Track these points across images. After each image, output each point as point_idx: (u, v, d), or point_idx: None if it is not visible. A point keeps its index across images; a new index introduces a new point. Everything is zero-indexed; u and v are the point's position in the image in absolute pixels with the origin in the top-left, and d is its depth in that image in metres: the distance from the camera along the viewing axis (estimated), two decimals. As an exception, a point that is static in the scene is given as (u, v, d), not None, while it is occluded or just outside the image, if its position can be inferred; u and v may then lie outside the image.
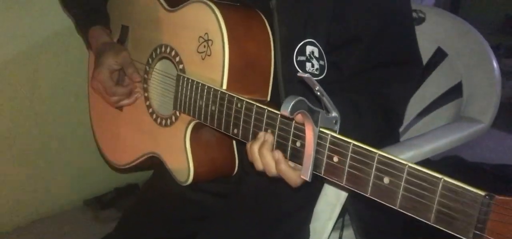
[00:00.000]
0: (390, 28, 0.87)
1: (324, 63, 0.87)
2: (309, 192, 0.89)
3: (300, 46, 0.86)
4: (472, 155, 2.16)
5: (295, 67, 0.85)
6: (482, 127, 1.04)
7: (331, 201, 0.87)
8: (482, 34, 1.12)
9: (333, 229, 0.93)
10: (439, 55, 1.19)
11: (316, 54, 0.86)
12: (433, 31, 1.19)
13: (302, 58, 0.86)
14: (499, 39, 3.07)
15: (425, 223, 0.57)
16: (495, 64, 1.08)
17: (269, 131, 0.75)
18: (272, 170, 0.74)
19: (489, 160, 2.19)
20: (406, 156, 0.87)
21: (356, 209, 0.93)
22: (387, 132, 0.93)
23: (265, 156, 0.73)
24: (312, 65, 0.86)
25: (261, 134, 0.75)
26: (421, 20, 1.20)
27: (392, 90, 0.88)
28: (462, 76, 1.13)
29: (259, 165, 0.75)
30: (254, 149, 0.75)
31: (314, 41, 0.86)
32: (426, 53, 1.17)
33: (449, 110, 1.16)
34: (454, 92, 1.15)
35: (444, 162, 2.05)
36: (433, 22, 1.20)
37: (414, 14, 1.27)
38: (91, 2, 1.16)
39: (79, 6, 1.17)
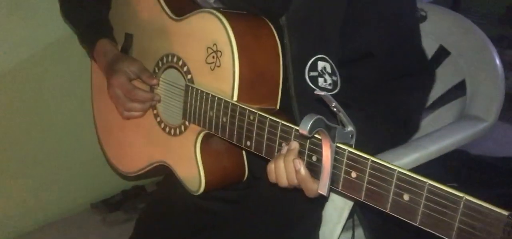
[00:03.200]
0: (401, 42, 0.88)
1: (337, 78, 0.87)
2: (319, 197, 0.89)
3: (312, 62, 0.86)
4: (475, 147, 2.15)
5: (307, 82, 0.86)
6: (486, 125, 1.04)
7: (339, 205, 0.88)
8: (484, 26, 1.13)
9: (345, 229, 0.94)
10: (442, 54, 1.19)
11: (328, 69, 0.86)
12: (435, 29, 1.19)
13: (314, 73, 0.86)
14: (502, 30, 3.06)
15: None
16: (497, 61, 1.08)
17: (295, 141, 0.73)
18: (294, 179, 0.73)
19: (492, 152, 2.18)
20: (411, 158, 0.88)
21: (365, 214, 0.93)
22: (404, 139, 0.93)
23: (290, 164, 0.71)
24: (325, 81, 0.86)
25: (285, 148, 0.74)
26: (423, 19, 1.20)
27: (406, 100, 0.88)
28: (465, 74, 1.14)
29: (283, 180, 0.74)
30: (279, 164, 0.74)
31: (326, 57, 0.86)
32: (429, 52, 1.17)
33: (453, 108, 1.16)
34: (458, 90, 1.16)
35: (449, 156, 2.04)
36: (435, 20, 1.20)
37: (416, 13, 1.28)
38: (93, 14, 1.15)
39: (82, 18, 1.16)
